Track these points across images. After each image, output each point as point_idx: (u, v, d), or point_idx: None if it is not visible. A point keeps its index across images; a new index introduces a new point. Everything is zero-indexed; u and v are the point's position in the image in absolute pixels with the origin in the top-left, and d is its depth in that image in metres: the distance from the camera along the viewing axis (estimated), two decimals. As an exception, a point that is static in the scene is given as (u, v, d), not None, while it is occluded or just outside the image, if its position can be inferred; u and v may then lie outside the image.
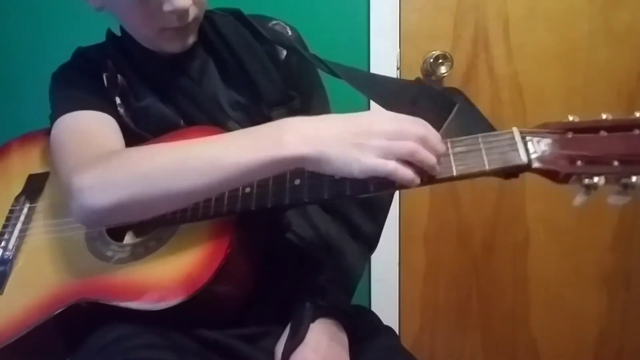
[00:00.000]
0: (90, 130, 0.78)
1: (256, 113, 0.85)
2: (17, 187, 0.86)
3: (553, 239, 1.61)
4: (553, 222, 1.59)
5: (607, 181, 0.58)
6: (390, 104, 0.77)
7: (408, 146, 0.60)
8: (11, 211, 0.84)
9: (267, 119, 0.83)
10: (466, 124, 0.69)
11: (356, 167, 0.60)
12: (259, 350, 0.75)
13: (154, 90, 0.85)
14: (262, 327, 0.78)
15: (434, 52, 1.50)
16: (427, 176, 0.62)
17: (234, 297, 0.74)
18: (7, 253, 0.79)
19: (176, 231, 0.72)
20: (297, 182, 0.67)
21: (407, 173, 0.60)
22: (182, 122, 0.83)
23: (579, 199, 0.60)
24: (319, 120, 0.63)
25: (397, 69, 1.52)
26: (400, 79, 0.79)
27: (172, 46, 0.82)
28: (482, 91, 1.55)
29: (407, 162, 0.60)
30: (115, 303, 0.67)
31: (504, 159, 0.62)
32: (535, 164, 0.61)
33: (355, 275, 0.85)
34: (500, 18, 1.52)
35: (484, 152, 0.63)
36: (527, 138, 0.62)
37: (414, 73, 1.53)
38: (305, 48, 0.90)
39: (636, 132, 0.60)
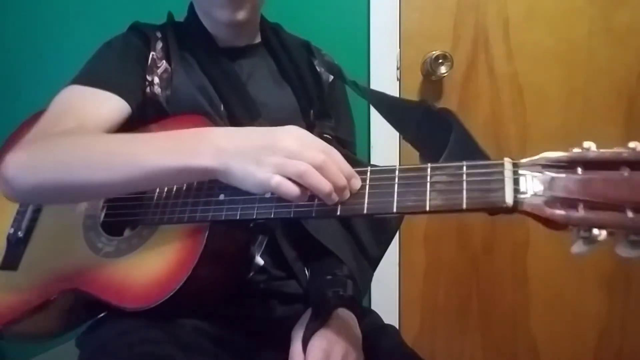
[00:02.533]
0: (76, 108, 0.79)
1: (302, 118, 0.91)
2: None
3: (553, 239, 1.59)
4: (553, 222, 1.59)
5: (610, 234, 0.47)
6: (401, 128, 0.81)
7: (298, 167, 0.60)
8: None
9: (310, 126, 0.90)
10: (461, 148, 0.65)
11: (251, 181, 0.62)
12: (262, 345, 0.76)
13: (197, 75, 0.88)
14: (266, 323, 0.80)
15: (434, 52, 1.50)
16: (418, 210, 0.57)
17: (213, 293, 0.75)
18: (20, 233, 0.83)
19: (155, 230, 0.73)
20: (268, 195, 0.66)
21: (291, 189, 0.60)
22: (222, 107, 0.86)
23: (577, 249, 0.49)
24: (235, 133, 0.66)
25: (397, 69, 1.52)
26: (408, 100, 0.78)
27: (221, 14, 0.86)
28: (482, 91, 1.55)
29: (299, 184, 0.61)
30: (100, 299, 0.69)
31: (486, 198, 0.53)
32: (523, 207, 0.51)
33: (364, 283, 0.87)
34: (500, 18, 1.52)
35: (464, 186, 0.55)
36: (521, 172, 0.52)
37: (414, 73, 1.53)
38: None
39: None
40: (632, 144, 0.47)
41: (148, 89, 0.86)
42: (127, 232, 0.78)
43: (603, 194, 0.47)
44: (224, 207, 0.68)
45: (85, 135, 0.75)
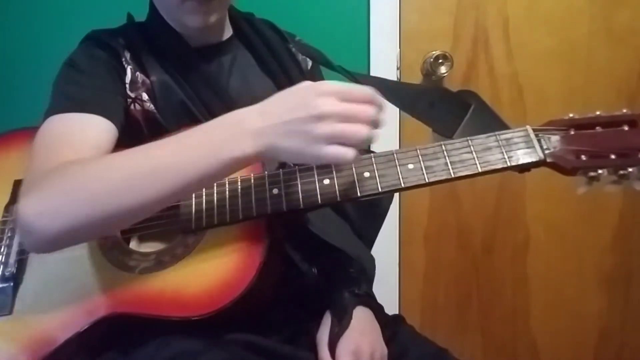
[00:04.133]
0: (67, 137, 0.73)
1: None
2: (3, 195, 0.80)
3: (553, 239, 1.60)
4: (553, 222, 1.59)
5: (608, 172, 0.66)
6: (410, 108, 0.82)
7: (360, 134, 0.59)
8: (4, 222, 0.78)
9: None
10: (482, 123, 0.76)
11: (310, 155, 0.60)
12: (302, 351, 0.77)
13: (179, 82, 0.83)
14: (294, 326, 0.80)
15: (434, 52, 1.50)
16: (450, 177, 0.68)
17: (268, 295, 0.75)
18: (9, 269, 0.73)
19: (203, 236, 0.71)
20: (327, 182, 0.70)
21: (351, 155, 0.60)
22: (207, 113, 0.82)
23: (582, 189, 0.67)
24: (266, 111, 0.62)
25: (397, 69, 1.52)
26: (418, 84, 0.84)
27: (193, 20, 0.81)
28: (482, 91, 1.53)
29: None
30: (152, 315, 0.65)
31: (523, 155, 0.68)
32: (549, 159, 0.68)
33: (372, 272, 0.88)
34: (500, 18, 1.52)
35: (503, 150, 0.68)
36: (540, 135, 0.69)
37: (414, 73, 1.53)
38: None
39: (625, 127, 0.68)
40: (597, 112, 0.69)
41: (136, 106, 0.81)
42: (135, 243, 0.74)
43: (593, 144, 0.67)
44: (282, 199, 0.69)
45: (104, 159, 0.69)
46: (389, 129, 1.49)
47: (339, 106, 0.59)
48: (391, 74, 1.51)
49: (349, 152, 0.59)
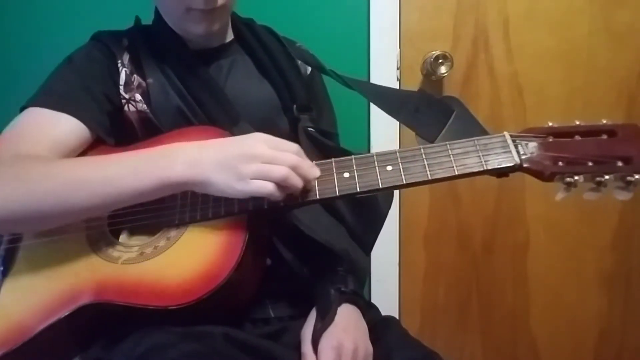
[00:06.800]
0: (31, 131, 0.78)
1: (283, 113, 0.90)
2: None
3: (553, 239, 1.60)
4: (553, 222, 1.59)
5: (585, 179, 0.68)
6: (396, 112, 0.84)
7: (282, 172, 0.67)
8: None
9: (294, 120, 0.89)
10: (463, 129, 0.77)
11: (236, 189, 0.67)
12: (283, 347, 0.77)
13: (175, 85, 0.86)
14: (281, 323, 0.81)
15: (434, 52, 1.50)
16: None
17: (249, 289, 0.76)
18: None
19: (185, 230, 0.73)
20: None
21: (278, 195, 0.67)
22: (202, 115, 0.85)
23: (560, 195, 0.69)
24: (205, 146, 0.70)
25: (397, 69, 1.52)
26: (404, 90, 0.88)
27: (197, 28, 0.84)
28: (482, 91, 1.55)
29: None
30: (131, 303, 0.67)
31: (499, 159, 0.70)
32: (525, 164, 0.69)
33: (363, 272, 0.89)
34: (500, 18, 1.52)
35: (480, 154, 0.70)
36: (517, 141, 0.70)
37: (414, 73, 1.53)
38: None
39: (604, 137, 0.69)
40: (577, 122, 0.71)
41: (129, 107, 0.84)
42: (124, 236, 0.76)
43: (571, 152, 0.68)
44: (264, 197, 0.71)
45: (52, 161, 0.74)
46: (389, 129, 1.50)
47: (267, 150, 0.68)
48: (391, 74, 1.51)
49: (269, 185, 0.67)
